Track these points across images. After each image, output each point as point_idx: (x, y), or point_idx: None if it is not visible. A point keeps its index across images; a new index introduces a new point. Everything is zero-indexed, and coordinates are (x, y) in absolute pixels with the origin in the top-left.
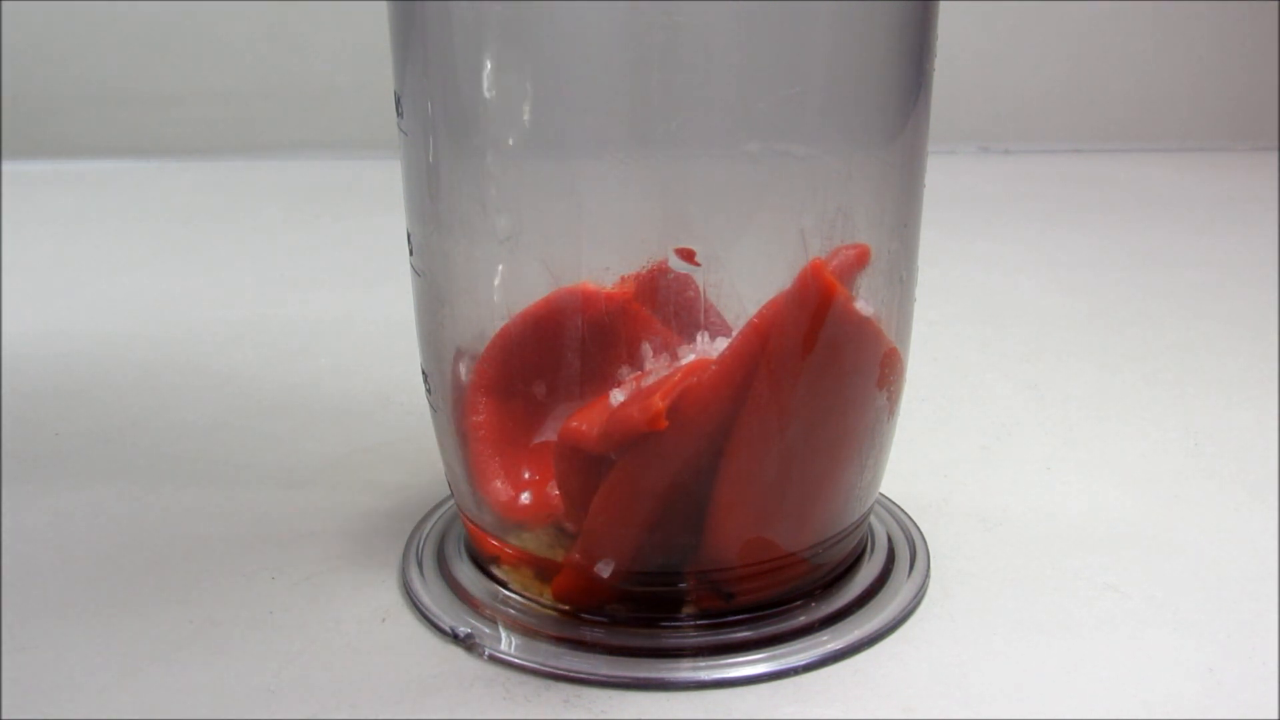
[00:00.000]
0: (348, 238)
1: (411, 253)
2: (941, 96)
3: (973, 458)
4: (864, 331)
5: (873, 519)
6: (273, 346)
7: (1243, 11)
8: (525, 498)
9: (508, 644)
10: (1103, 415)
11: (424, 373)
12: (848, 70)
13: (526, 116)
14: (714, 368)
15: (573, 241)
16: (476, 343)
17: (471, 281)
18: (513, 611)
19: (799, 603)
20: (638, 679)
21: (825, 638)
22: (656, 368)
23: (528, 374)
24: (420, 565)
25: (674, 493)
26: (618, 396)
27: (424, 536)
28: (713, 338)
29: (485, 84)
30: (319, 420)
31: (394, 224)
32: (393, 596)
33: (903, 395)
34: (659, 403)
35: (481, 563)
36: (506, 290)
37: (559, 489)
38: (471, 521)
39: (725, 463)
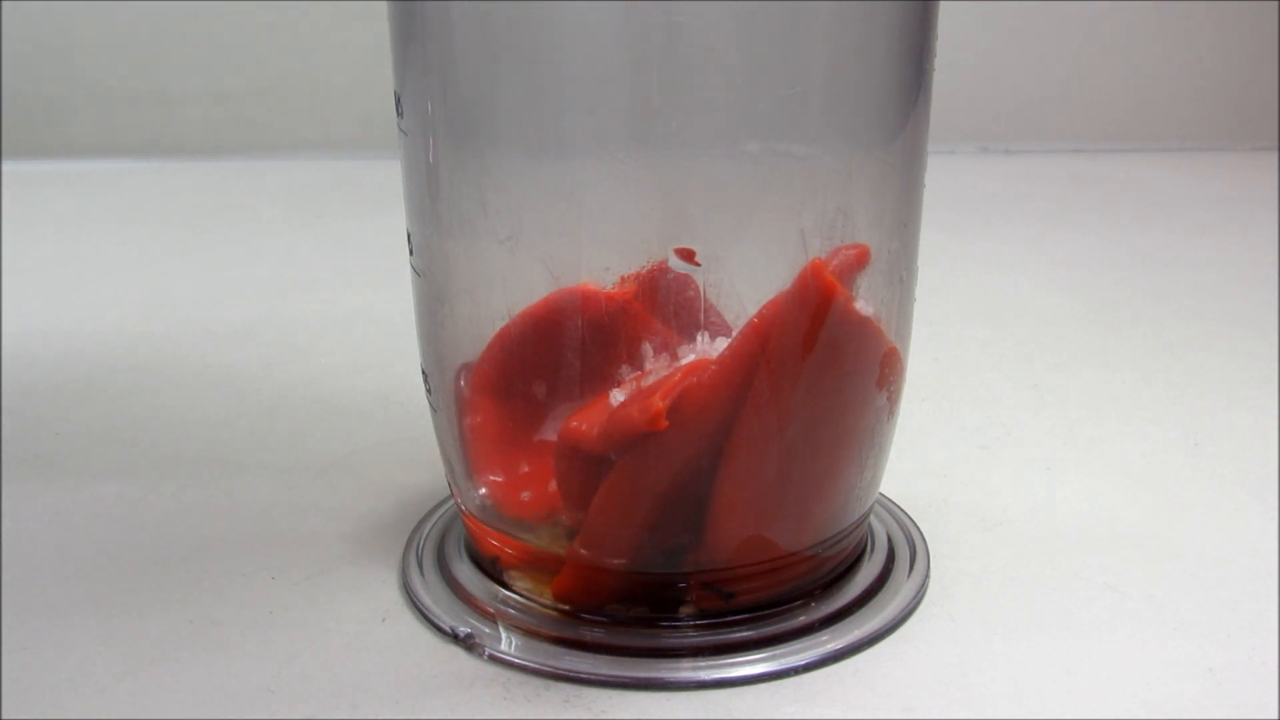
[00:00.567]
0: (348, 238)
1: (411, 253)
2: (941, 96)
3: (973, 458)
4: (864, 331)
5: (873, 519)
6: (273, 346)
7: (1243, 11)
8: (526, 495)
9: (508, 644)
10: (1103, 415)
11: (424, 373)
12: (848, 70)
13: (526, 116)
14: (714, 368)
15: (573, 241)
16: (476, 342)
17: (471, 281)
18: (513, 611)
19: (799, 603)
20: (638, 679)
21: (825, 638)
22: (656, 368)
23: (528, 374)
24: (420, 565)
25: (674, 492)
26: (618, 396)
27: (424, 536)
28: (713, 338)
29: (485, 84)
30: (319, 420)
31: (394, 224)
32: (393, 596)
33: (903, 395)
34: (659, 403)
35: (482, 563)
36: (506, 290)
37: (559, 489)
38: (472, 521)
39: (725, 462)
